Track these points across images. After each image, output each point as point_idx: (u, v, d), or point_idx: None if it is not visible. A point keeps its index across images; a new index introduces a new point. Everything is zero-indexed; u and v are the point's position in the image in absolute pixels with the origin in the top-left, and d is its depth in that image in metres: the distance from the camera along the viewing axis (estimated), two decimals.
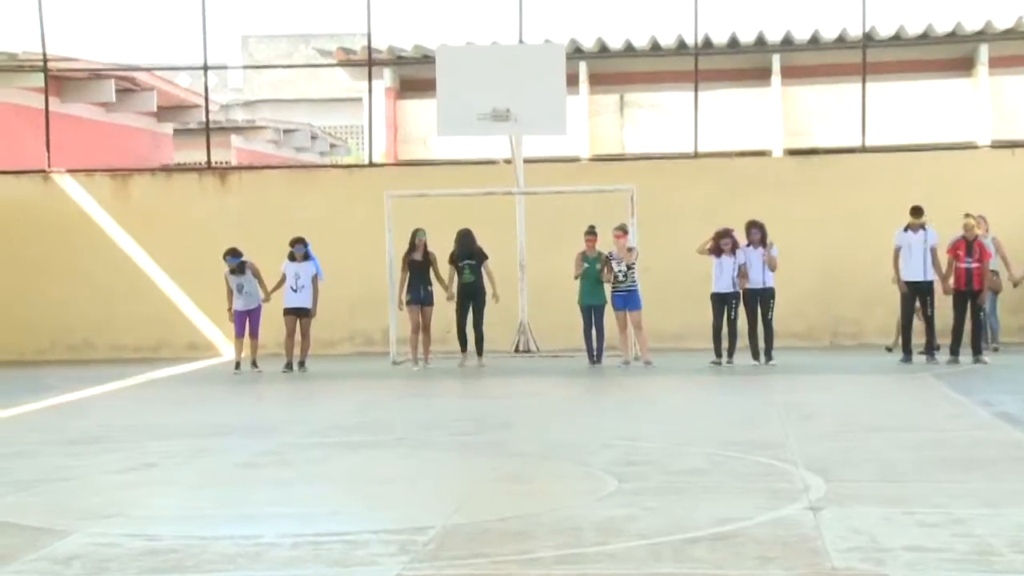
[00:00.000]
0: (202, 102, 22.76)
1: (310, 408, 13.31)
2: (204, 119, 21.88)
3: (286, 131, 32.64)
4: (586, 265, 16.30)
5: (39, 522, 7.59)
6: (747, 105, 23.93)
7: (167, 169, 22.58)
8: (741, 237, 16.10)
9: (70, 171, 19.85)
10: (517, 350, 17.72)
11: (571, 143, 22.20)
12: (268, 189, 19.76)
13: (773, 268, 15.97)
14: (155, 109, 25.87)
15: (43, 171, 19.79)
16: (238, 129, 31.28)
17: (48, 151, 20.03)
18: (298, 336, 16.68)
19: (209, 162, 20.72)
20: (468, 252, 16.39)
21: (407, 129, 25.34)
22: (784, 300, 16.51)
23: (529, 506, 7.99)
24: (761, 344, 15.99)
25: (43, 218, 19.39)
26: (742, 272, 15.95)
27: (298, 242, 16.77)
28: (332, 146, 35.22)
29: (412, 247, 16.42)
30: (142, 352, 19.29)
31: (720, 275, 15.97)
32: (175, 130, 28.02)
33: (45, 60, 20.53)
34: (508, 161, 18.51)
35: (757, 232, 16.05)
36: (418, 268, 16.33)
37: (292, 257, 16.69)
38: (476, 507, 8.10)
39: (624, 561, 6.44)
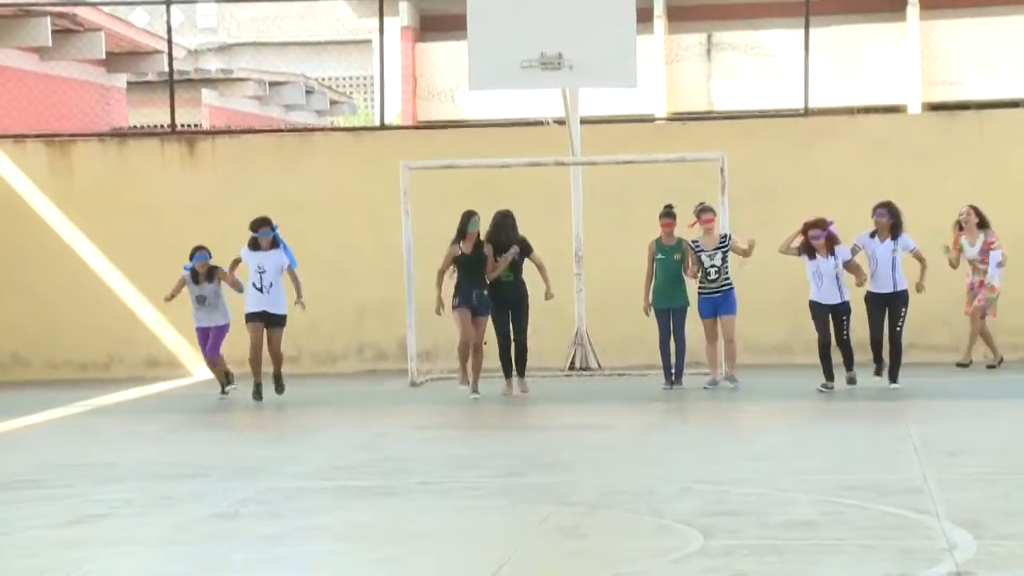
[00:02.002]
0: (164, 47, 22.91)
1: (304, 443, 13.39)
2: (167, 69, 22.02)
3: (272, 84, 32.78)
4: (661, 256, 16.32)
5: None
6: (875, 46, 23.86)
7: (120, 134, 22.76)
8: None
9: None
10: (572, 367, 17.77)
11: (643, 98, 22.25)
12: (250, 160, 19.89)
13: (922, 262, 15.87)
14: (103, 56, 26.04)
15: None
16: (211, 82, 31.46)
17: None
18: (267, 352, 16.40)
19: (173, 125, 20.85)
20: (509, 242, 16.07)
21: (429, 81, 25.47)
22: (924, 302, 16.42)
23: (588, 569, 8.03)
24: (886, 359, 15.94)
25: None
26: (854, 268, 15.72)
27: (263, 224, 16.45)
28: (333, 103, 35.37)
29: (461, 236, 15.96)
30: (89, 371, 19.46)
31: (819, 282, 15.74)
32: (129, 83, 28.21)
33: None
34: (560, 122, 18.55)
35: (886, 215, 15.95)
36: (470, 266, 15.90)
37: (255, 245, 16.54)
38: (521, 571, 8.14)
39: None
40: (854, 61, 23.26)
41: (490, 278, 15.89)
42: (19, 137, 20.28)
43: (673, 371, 16.38)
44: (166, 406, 16.60)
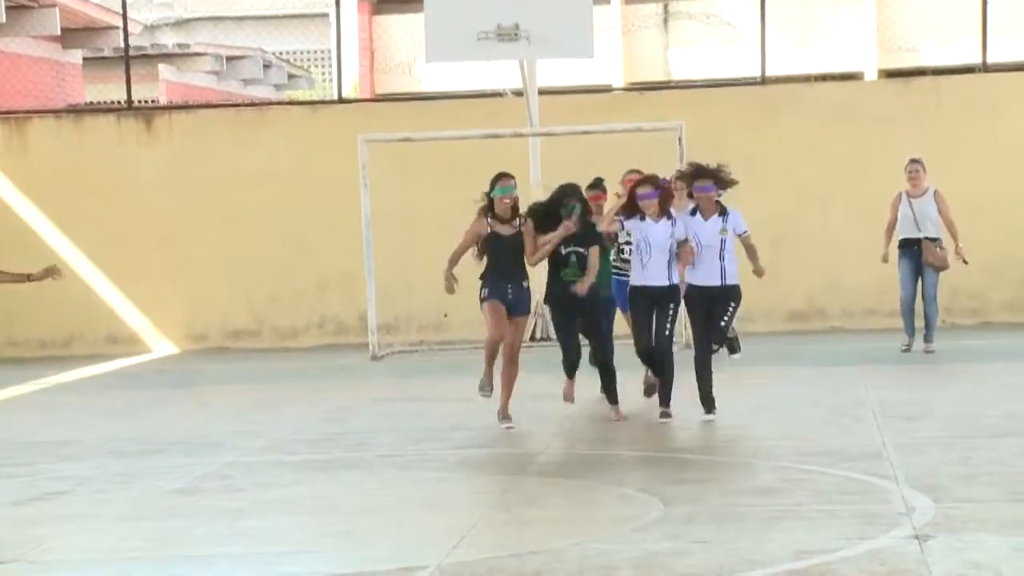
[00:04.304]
0: (119, 22, 22.77)
1: (266, 417, 13.35)
2: (123, 44, 21.90)
3: (230, 58, 32.63)
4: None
5: None
6: (831, 13, 23.89)
7: (75, 110, 22.62)
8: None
9: None
10: (533, 338, 17.78)
11: (600, 69, 22.23)
12: (208, 134, 19.80)
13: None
14: (58, 32, 25.86)
15: None
16: (167, 56, 31.29)
17: None
18: None
19: (130, 100, 20.74)
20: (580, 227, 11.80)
21: (386, 54, 25.38)
22: (876, 266, 16.47)
23: (549, 538, 8.05)
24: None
25: None
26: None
27: None
28: (291, 77, 35.23)
29: (488, 211, 11.93)
30: (48, 348, 19.37)
31: (647, 257, 11.69)
32: (85, 59, 28.03)
33: None
34: (518, 93, 18.53)
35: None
36: (505, 248, 11.78)
37: None
38: (482, 541, 8.16)
39: None
40: (810, 29, 23.30)
41: (531, 263, 11.92)
42: None
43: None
44: (126, 383, 16.55)
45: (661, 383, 11.89)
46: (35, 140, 19.79)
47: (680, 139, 17.19)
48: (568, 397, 12.10)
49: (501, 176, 11.98)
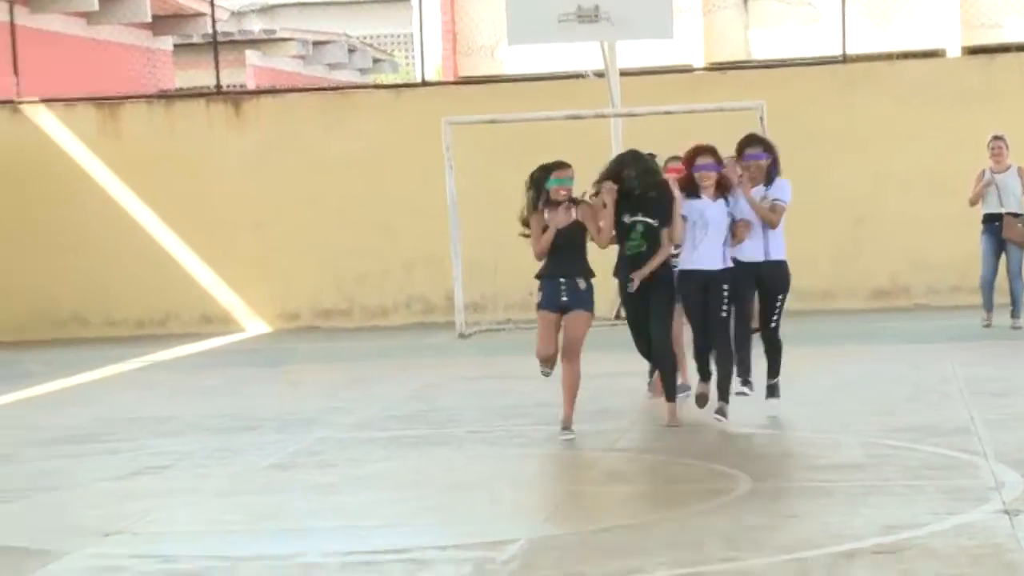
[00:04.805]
0: (207, 9, 22.94)
1: (356, 394, 13.44)
2: (211, 31, 22.05)
3: (316, 44, 32.82)
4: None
5: (25, 541, 7.81)
6: None
7: (166, 96, 22.82)
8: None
9: (45, 101, 20.13)
10: (618, 316, 17.75)
11: (681, 49, 22.10)
12: (295, 118, 19.92)
13: None
14: (149, 19, 26.13)
15: (11, 102, 20.09)
16: (254, 42, 31.49)
17: (16, 74, 20.33)
18: None
19: (219, 86, 20.91)
20: (644, 197, 10.47)
21: (468, 37, 25.36)
22: (960, 242, 16.33)
23: (638, 512, 8.06)
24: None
25: (14, 161, 19.70)
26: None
27: None
28: (375, 61, 35.37)
29: (540, 197, 10.52)
30: (146, 327, 19.59)
31: (703, 236, 10.49)
32: (175, 46, 28.30)
33: None
34: (599, 74, 18.49)
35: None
36: (562, 240, 10.36)
37: None
38: (571, 515, 8.19)
39: None
40: (891, 6, 23.04)
41: (600, 244, 10.45)
42: (69, 100, 20.35)
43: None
44: (221, 361, 16.70)
45: (721, 377, 10.47)
46: (128, 125, 19.99)
47: (761, 118, 17.07)
48: (657, 393, 11.00)
49: (558, 165, 10.54)
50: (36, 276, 19.43)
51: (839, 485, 8.29)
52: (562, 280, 10.24)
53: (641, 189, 10.34)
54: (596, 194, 10.47)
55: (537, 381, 11.55)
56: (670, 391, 10.56)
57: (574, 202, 10.37)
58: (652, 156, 11.26)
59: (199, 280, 19.58)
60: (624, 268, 10.40)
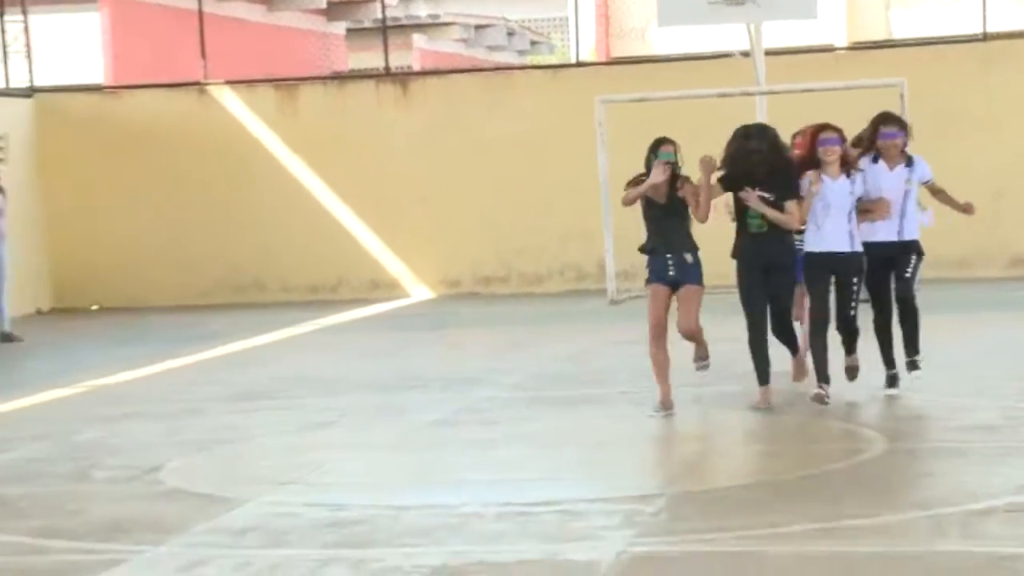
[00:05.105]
0: None
1: (515, 356, 13.49)
2: (380, 16, 22.21)
3: (477, 27, 32.92)
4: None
5: (209, 488, 8.00)
6: None
7: (340, 77, 23.05)
8: None
9: (229, 83, 20.44)
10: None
11: (824, 29, 21.76)
12: (457, 97, 19.99)
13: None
14: (324, 6, 26.47)
15: (198, 83, 20.45)
16: (421, 27, 31.69)
17: (203, 59, 20.67)
18: None
19: (387, 67, 21.06)
20: (765, 171, 9.54)
21: (620, 20, 25.24)
22: None
23: (777, 469, 8.02)
24: None
25: (201, 138, 20.04)
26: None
27: None
28: (533, 43, 35.38)
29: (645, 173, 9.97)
30: (319, 293, 19.83)
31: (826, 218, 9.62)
32: (348, 30, 28.58)
33: None
34: (745, 54, 18.27)
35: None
36: (663, 215, 9.87)
37: None
38: (713, 470, 8.17)
39: (897, 537, 6.42)
40: None
41: (699, 219, 9.76)
42: (251, 82, 20.64)
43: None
44: (388, 325, 16.87)
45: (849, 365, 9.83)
46: (304, 105, 20.22)
47: (902, 95, 16.75)
48: (759, 405, 9.68)
49: (662, 141, 10.05)
50: (220, 246, 19.78)
51: (975, 446, 8.15)
52: (668, 256, 9.69)
53: (766, 166, 9.44)
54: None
55: (683, 344, 11.49)
56: (811, 368, 9.75)
57: (677, 177, 9.78)
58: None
59: (368, 249, 19.78)
60: (745, 247, 9.54)
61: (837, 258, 9.45)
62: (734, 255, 9.72)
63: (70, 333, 17.02)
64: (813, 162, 9.50)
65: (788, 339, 9.97)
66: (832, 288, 9.60)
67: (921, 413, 9.38)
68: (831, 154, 9.44)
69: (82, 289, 19.83)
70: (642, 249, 9.91)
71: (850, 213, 9.46)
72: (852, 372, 9.91)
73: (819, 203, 9.44)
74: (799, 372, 10.20)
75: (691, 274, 9.72)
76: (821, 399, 9.48)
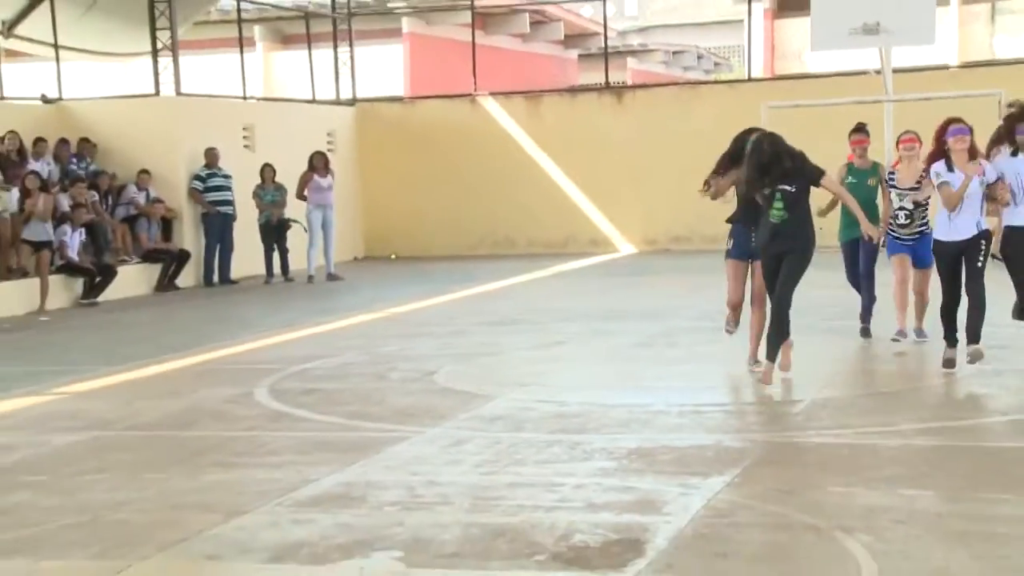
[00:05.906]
0: (602, 30, 23.01)
1: (696, 295, 13.36)
2: (603, 45, 22.13)
3: (675, 52, 32.49)
4: (852, 180, 9.75)
5: (470, 388, 8.16)
6: None
7: (572, 90, 23.04)
8: None
9: (492, 94, 20.63)
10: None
11: (940, 52, 20.84)
12: (658, 105, 19.80)
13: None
14: (562, 38, 26.49)
15: (470, 95, 20.68)
16: (633, 52, 31.43)
17: (475, 77, 20.90)
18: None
19: (607, 82, 20.97)
20: (779, 169, 8.11)
21: (783, 46, 24.58)
22: None
23: (894, 383, 7.79)
24: None
25: (471, 135, 20.30)
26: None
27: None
28: (716, 64, 34.75)
29: (736, 154, 8.63)
30: (553, 248, 19.95)
31: (958, 208, 7.94)
32: (579, 55, 28.54)
33: (472, 0, 21.41)
34: (878, 72, 17.63)
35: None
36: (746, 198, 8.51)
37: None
38: (844, 383, 7.98)
39: (981, 434, 6.20)
40: None
41: (719, 197, 8.72)
42: (508, 93, 20.78)
43: (863, 312, 9.77)
44: (602, 272, 16.86)
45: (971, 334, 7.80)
46: (546, 111, 20.28)
47: (999, 102, 15.92)
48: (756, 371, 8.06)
49: (750, 131, 8.87)
50: (483, 213, 20.03)
51: None
52: (753, 228, 8.14)
53: (772, 168, 7.99)
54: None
55: (822, 290, 11.09)
56: (771, 351, 7.82)
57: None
58: (863, 125, 10.01)
59: (589, 216, 19.79)
60: (765, 235, 7.93)
61: (963, 244, 7.83)
62: (729, 220, 8.58)
63: (376, 274, 17.50)
64: (941, 154, 7.94)
65: (779, 322, 7.87)
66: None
67: (1007, 343, 8.95)
68: (960, 142, 7.77)
69: (385, 243, 20.35)
70: (730, 220, 8.57)
71: (981, 203, 7.82)
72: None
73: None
74: (784, 359, 7.99)
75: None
76: (952, 363, 7.84)
